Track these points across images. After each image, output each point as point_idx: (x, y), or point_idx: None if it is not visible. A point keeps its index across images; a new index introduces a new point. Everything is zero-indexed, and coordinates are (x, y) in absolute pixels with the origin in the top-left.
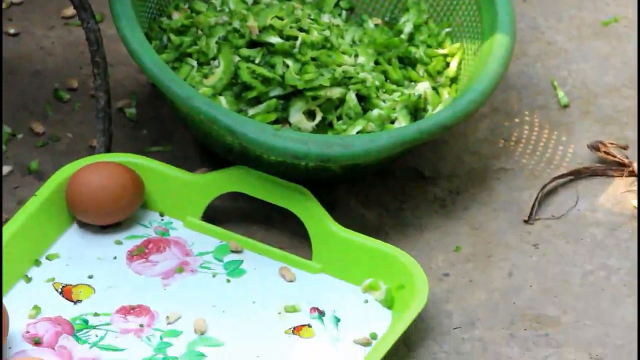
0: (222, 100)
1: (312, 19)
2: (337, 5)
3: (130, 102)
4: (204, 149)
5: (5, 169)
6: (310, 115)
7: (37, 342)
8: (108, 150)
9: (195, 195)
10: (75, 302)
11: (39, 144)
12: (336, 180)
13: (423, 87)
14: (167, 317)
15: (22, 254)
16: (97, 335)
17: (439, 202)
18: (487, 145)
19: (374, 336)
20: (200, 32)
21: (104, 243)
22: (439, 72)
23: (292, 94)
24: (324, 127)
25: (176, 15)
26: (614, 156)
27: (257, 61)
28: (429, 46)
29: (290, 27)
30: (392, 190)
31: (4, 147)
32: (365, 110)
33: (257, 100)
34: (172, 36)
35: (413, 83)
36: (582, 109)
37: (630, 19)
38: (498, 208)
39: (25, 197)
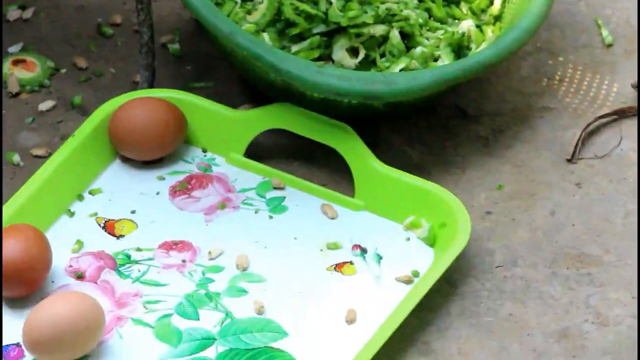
0: (265, 36)
1: None
2: None
3: (173, 38)
4: (247, 85)
5: (49, 104)
6: (354, 52)
7: (79, 277)
8: (151, 85)
9: (238, 132)
10: (117, 237)
11: (82, 79)
12: (379, 118)
13: (467, 25)
14: (209, 252)
15: (65, 189)
16: (139, 270)
17: (482, 140)
18: (530, 84)
19: (416, 274)
20: None
21: (147, 178)
22: (483, 10)
23: (336, 31)
24: (367, 64)
25: None
26: None
27: None
28: None
29: None
30: (435, 128)
31: (47, 81)
32: (408, 48)
33: (300, 37)
34: None
35: (457, 21)
36: (626, 48)
37: None
38: (541, 147)
39: (68, 131)
